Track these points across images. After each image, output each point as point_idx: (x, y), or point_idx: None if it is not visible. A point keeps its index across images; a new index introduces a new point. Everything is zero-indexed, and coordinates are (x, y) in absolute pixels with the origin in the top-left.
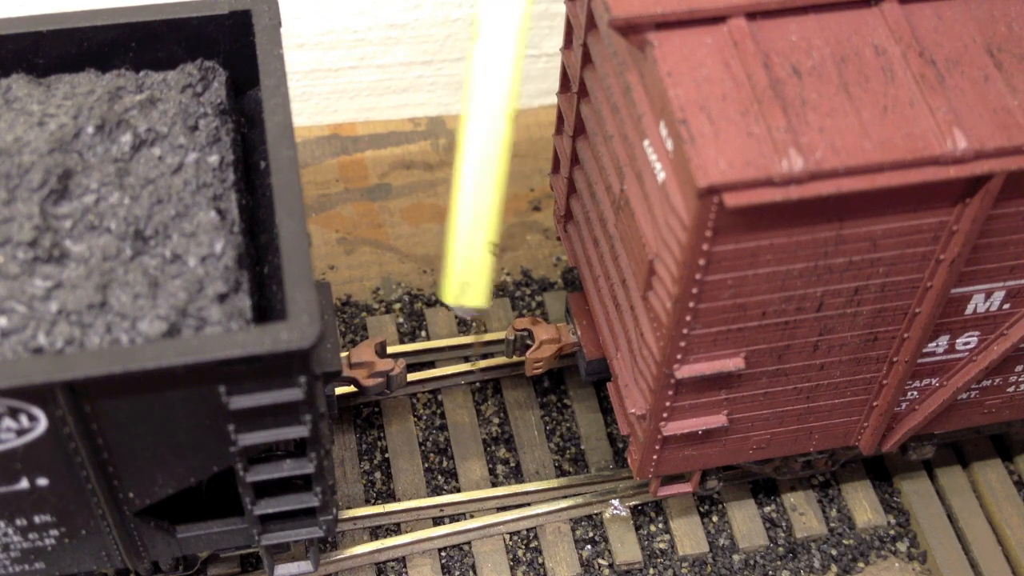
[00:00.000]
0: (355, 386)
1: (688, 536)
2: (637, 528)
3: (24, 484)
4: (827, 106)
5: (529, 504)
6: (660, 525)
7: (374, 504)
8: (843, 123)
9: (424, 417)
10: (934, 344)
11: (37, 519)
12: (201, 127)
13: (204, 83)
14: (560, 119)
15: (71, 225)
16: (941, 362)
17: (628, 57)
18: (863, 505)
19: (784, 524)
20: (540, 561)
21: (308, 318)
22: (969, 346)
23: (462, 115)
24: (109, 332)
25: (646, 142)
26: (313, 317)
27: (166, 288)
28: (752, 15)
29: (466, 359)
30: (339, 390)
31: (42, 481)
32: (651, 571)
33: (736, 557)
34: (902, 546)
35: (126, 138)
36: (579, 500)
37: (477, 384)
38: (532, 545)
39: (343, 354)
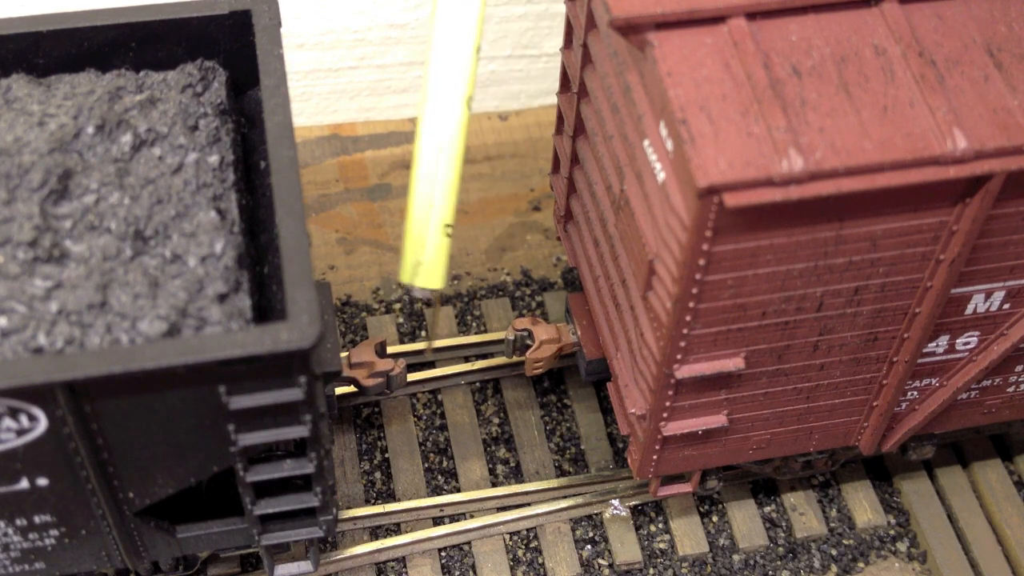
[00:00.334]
0: (355, 386)
1: (688, 536)
2: (637, 528)
3: (24, 484)
4: (827, 106)
5: (529, 504)
6: (660, 525)
7: (374, 504)
8: (843, 123)
9: (424, 417)
10: (934, 344)
11: (37, 519)
12: (201, 127)
13: (204, 83)
14: (560, 119)
15: (71, 225)
16: (941, 362)
17: (628, 57)
18: (863, 505)
19: (784, 524)
20: (540, 561)
21: (308, 318)
22: (969, 346)
23: (420, 99)
24: (109, 332)
25: (646, 142)
26: (313, 317)
27: (166, 288)
28: (752, 15)
29: (466, 359)
30: (339, 390)
31: (42, 481)
32: (651, 571)
33: (736, 557)
34: (902, 546)
35: (126, 138)
36: (579, 500)
37: (477, 384)
38: (532, 545)
39: (343, 354)
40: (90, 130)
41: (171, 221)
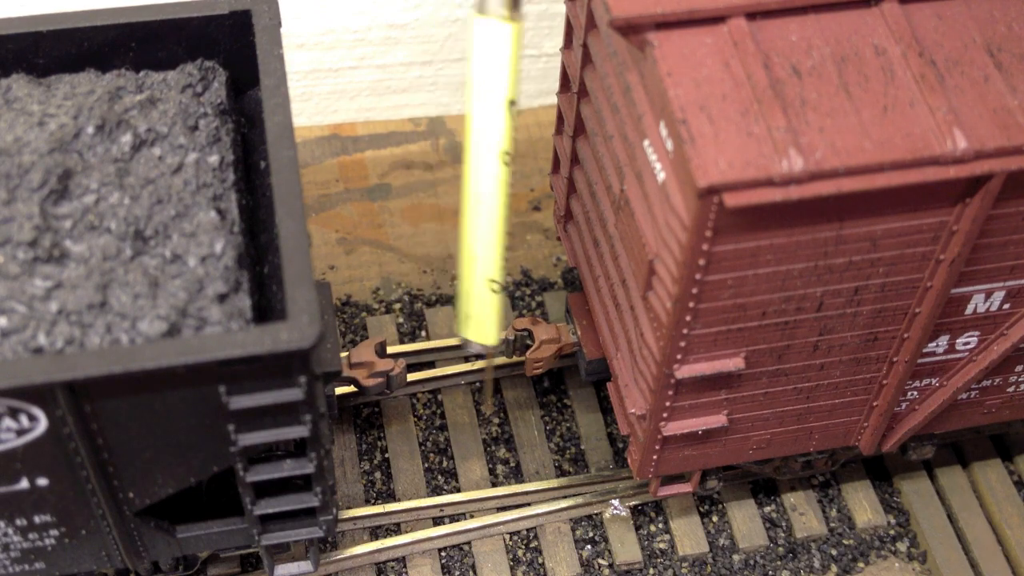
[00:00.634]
0: (355, 386)
1: (688, 536)
2: (637, 528)
3: (24, 484)
4: (827, 106)
5: (529, 504)
6: (660, 525)
7: (374, 504)
8: (843, 123)
9: (424, 417)
10: (934, 344)
11: (37, 519)
12: (201, 127)
13: (204, 83)
14: (560, 119)
15: (71, 225)
16: (941, 362)
17: (628, 57)
18: (863, 505)
19: (784, 524)
20: (540, 561)
21: (308, 318)
22: (969, 346)
23: (465, 154)
24: (109, 332)
25: (646, 142)
26: (313, 317)
27: (166, 288)
28: (752, 15)
29: (466, 359)
30: (339, 390)
31: (42, 481)
32: (651, 571)
33: (736, 557)
34: (902, 546)
35: (126, 138)
36: (579, 500)
37: (477, 384)
38: (532, 545)
39: (343, 354)
40: (90, 130)
41: (171, 221)
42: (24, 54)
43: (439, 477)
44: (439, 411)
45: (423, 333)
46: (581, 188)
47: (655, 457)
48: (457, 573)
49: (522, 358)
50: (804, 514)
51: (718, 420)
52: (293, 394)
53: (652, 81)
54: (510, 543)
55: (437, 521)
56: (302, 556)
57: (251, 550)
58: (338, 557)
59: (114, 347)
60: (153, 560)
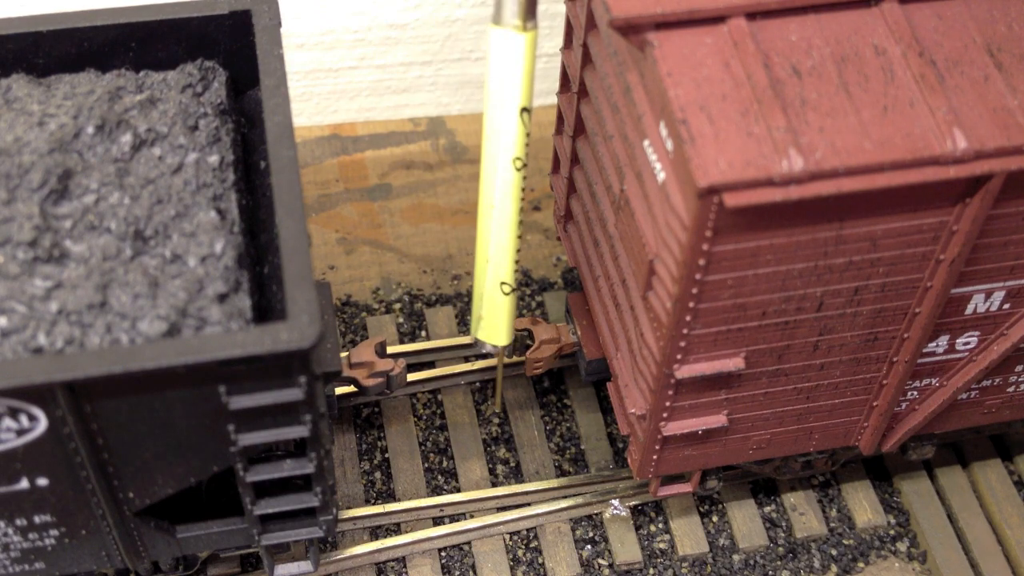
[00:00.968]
0: (355, 386)
1: (688, 536)
2: (637, 528)
3: (24, 484)
4: (827, 106)
5: (529, 504)
6: (660, 525)
7: (374, 504)
8: (843, 123)
9: (424, 417)
10: (934, 344)
11: (37, 519)
12: (201, 127)
13: (204, 83)
14: (560, 119)
15: (71, 225)
16: (941, 362)
17: (628, 57)
18: (863, 505)
19: (784, 524)
20: (540, 561)
21: (308, 318)
22: (969, 346)
23: (482, 164)
24: (109, 332)
25: (646, 142)
26: (313, 317)
27: (166, 288)
28: (752, 15)
29: (466, 359)
30: (339, 390)
31: (42, 481)
32: (651, 571)
33: (736, 557)
34: (902, 546)
35: (126, 138)
36: (579, 500)
37: (477, 384)
38: (532, 545)
39: (343, 354)
40: (90, 130)
41: (171, 221)
42: (24, 54)
43: (439, 477)
44: (439, 411)
45: (423, 333)
46: (581, 188)
47: (655, 457)
48: (457, 573)
49: (522, 358)
50: (804, 514)
51: (718, 420)
52: (293, 394)
53: (652, 81)
54: (510, 543)
55: (437, 521)
56: (302, 556)
57: (251, 550)
58: (338, 557)
59: (114, 347)
60: (153, 560)
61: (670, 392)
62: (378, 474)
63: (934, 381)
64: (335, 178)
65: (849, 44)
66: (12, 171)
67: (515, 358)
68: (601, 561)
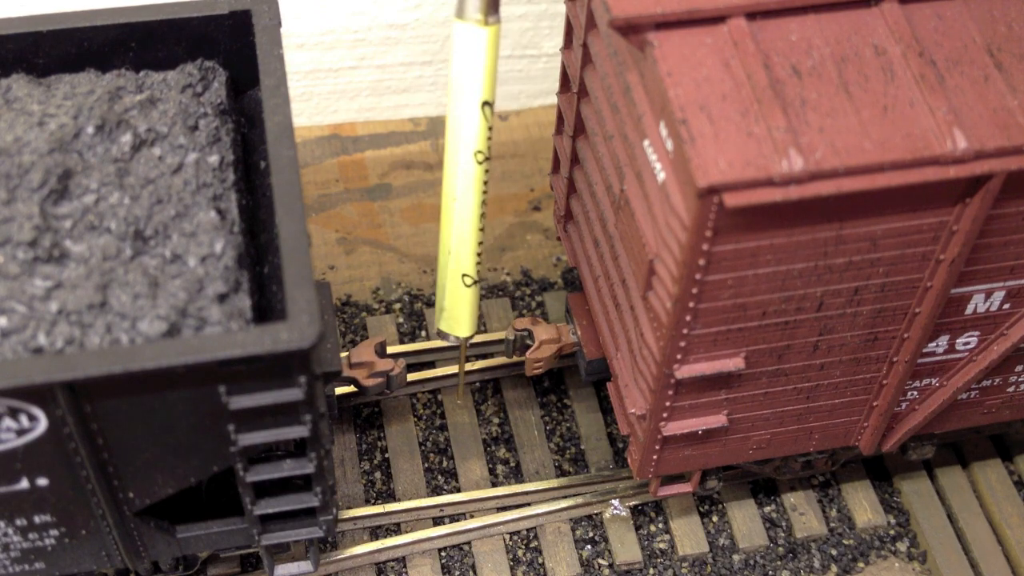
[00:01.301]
0: (355, 386)
1: (688, 536)
2: (637, 528)
3: (24, 484)
4: (827, 106)
5: (529, 504)
6: (660, 525)
7: (374, 504)
8: (843, 123)
9: (424, 417)
10: (934, 344)
11: (37, 519)
12: (201, 127)
13: (204, 83)
14: (560, 119)
15: (71, 225)
16: (941, 362)
17: (628, 57)
18: (863, 505)
19: (784, 524)
20: (540, 561)
21: (308, 318)
22: (969, 346)
23: (445, 157)
24: (109, 332)
25: (646, 142)
26: (313, 317)
27: (166, 288)
28: (752, 15)
29: (466, 359)
30: (339, 390)
31: (42, 481)
32: (651, 571)
33: (736, 557)
34: (902, 546)
35: (126, 138)
36: (579, 500)
37: (477, 384)
38: (532, 545)
39: (343, 354)
40: (90, 130)
41: (171, 221)
42: (24, 54)
43: (439, 477)
44: (439, 411)
45: (423, 333)
46: (581, 188)
47: (655, 457)
48: (457, 573)
49: (522, 358)
50: (804, 514)
51: (718, 420)
52: (293, 394)
53: (652, 81)
54: (510, 543)
55: (437, 521)
56: (302, 556)
57: (251, 550)
58: (338, 557)
59: (114, 347)
60: (153, 560)
61: (670, 392)
62: (378, 474)
63: (934, 381)
64: (335, 178)
65: (849, 44)
66: (12, 171)
67: (515, 358)
68: (601, 561)
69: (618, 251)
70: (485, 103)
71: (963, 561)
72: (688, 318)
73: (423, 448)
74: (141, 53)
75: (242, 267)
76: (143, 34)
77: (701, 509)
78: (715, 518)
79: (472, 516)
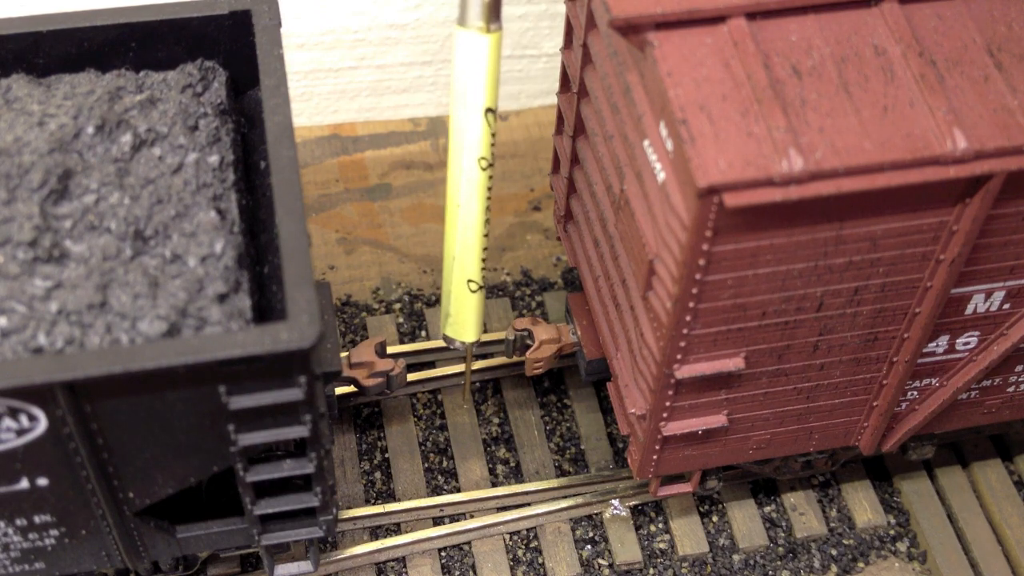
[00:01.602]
0: (355, 386)
1: (688, 536)
2: (637, 528)
3: (24, 484)
4: (827, 106)
5: (529, 504)
6: (660, 525)
7: (374, 504)
8: (843, 123)
9: (424, 417)
10: (934, 344)
11: (37, 519)
12: (201, 127)
13: (204, 83)
14: (560, 119)
15: (71, 225)
16: (941, 362)
17: (628, 57)
18: (863, 505)
19: (784, 524)
20: (540, 561)
21: (308, 318)
22: (969, 346)
23: (449, 163)
24: (109, 332)
25: (646, 142)
26: (313, 317)
27: (166, 288)
28: (752, 15)
29: (465, 359)
30: (339, 390)
31: (42, 481)
32: (651, 571)
33: (736, 557)
34: (902, 546)
35: (126, 138)
36: (579, 500)
37: (477, 384)
38: (532, 545)
39: (343, 354)
40: (90, 130)
41: (171, 221)
42: (24, 54)
43: (439, 477)
44: (439, 411)
45: (423, 333)
46: (581, 188)
47: (655, 457)
48: (457, 573)
49: (522, 358)
50: (804, 514)
51: (718, 420)
52: (293, 394)
53: (652, 81)
54: (510, 543)
55: (437, 521)
56: (302, 556)
57: (251, 550)
58: (338, 557)
59: (114, 347)
60: (153, 560)
61: (670, 392)
62: (378, 474)
63: (934, 381)
64: (335, 178)
65: (849, 44)
66: (12, 171)
67: (515, 358)
68: (601, 561)
69: (618, 251)
70: (488, 110)
71: (963, 561)
72: (688, 318)
73: (423, 448)
74: (141, 53)
75: (242, 267)
76: (143, 34)
77: (701, 509)
78: (715, 518)
79: (472, 516)
